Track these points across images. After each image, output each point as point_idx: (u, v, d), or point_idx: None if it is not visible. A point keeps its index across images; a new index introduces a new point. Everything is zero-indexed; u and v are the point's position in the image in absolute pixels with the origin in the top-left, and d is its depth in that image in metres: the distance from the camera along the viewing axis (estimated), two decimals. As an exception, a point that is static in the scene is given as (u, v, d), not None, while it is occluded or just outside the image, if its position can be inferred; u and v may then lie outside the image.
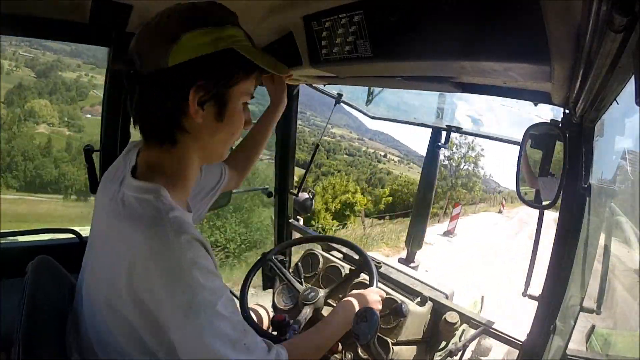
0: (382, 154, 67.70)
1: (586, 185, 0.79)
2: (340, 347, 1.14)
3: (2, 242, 1.13)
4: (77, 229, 1.25)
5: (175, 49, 0.54)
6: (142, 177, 0.60)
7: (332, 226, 14.74)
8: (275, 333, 1.06)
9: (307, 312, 1.11)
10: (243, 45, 0.59)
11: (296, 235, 1.73)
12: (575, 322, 0.87)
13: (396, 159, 69.47)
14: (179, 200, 0.62)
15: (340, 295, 1.29)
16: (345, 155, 58.70)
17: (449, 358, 1.07)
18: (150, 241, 0.52)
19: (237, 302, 1.23)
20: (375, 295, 1.01)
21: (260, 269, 1.32)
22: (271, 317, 1.30)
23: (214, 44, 0.56)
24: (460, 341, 1.10)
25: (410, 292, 1.23)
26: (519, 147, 0.91)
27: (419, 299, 1.19)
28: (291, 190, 1.71)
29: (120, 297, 0.53)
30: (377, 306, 0.99)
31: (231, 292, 1.69)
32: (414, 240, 1.73)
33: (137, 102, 0.58)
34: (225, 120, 0.61)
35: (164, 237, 0.53)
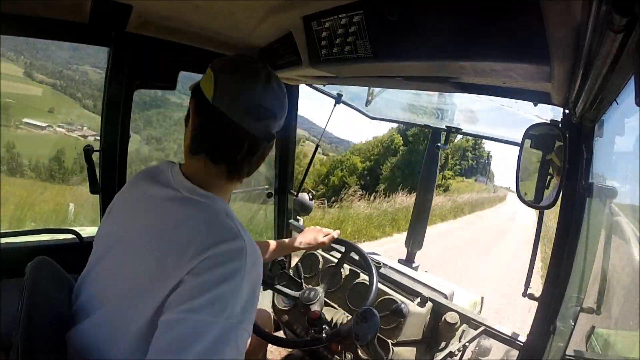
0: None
1: (586, 185, 0.79)
2: (340, 347, 1.14)
3: (2, 242, 1.13)
4: (77, 229, 1.24)
5: None
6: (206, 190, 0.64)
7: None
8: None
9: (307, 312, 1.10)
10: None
11: (296, 235, 1.72)
12: (575, 323, 0.87)
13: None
14: None
15: (340, 295, 1.29)
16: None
17: (448, 358, 1.07)
18: (226, 244, 0.56)
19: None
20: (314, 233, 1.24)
21: None
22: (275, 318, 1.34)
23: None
24: (460, 341, 1.10)
25: (410, 293, 1.23)
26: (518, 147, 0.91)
27: (419, 300, 1.19)
28: (291, 191, 1.71)
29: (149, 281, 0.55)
30: (317, 237, 1.22)
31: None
32: (414, 240, 1.73)
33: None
34: None
35: (241, 249, 0.56)
